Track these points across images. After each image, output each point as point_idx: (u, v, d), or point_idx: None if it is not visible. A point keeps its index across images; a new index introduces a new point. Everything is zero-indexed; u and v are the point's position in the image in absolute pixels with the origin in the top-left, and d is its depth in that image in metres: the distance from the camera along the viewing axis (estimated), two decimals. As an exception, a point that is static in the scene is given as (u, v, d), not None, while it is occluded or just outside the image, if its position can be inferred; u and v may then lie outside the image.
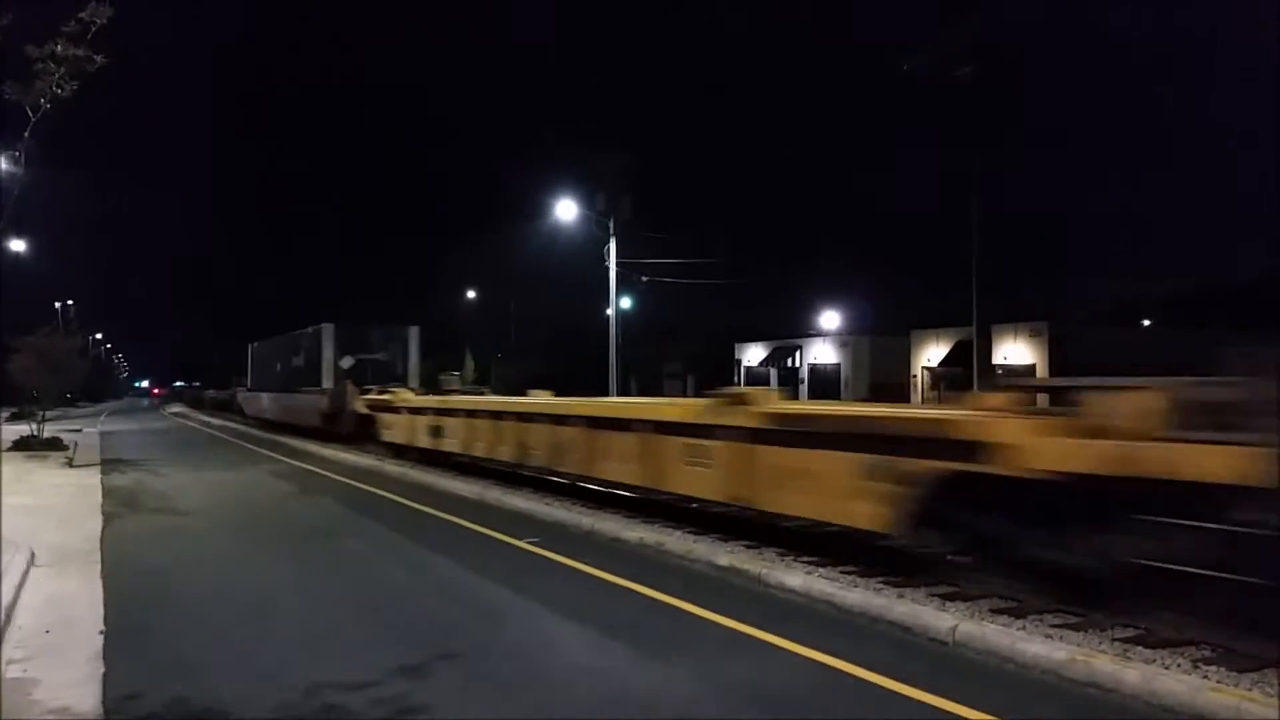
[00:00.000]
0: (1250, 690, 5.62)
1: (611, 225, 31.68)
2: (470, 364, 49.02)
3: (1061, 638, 6.83)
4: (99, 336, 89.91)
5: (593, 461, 13.67)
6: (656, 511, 12.50)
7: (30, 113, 17.07)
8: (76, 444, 26.97)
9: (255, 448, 28.76)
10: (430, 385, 28.53)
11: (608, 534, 11.77)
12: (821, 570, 9.25)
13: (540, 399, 17.68)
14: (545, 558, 10.46)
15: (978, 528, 8.06)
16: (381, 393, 24.49)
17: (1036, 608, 7.56)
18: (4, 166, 18.50)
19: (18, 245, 43.48)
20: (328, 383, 30.22)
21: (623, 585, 9.01)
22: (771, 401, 10.67)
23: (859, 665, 6.42)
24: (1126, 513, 6.91)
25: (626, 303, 39.13)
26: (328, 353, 31.21)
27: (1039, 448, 7.11)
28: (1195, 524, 6.64)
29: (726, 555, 9.94)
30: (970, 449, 7.63)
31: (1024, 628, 7.13)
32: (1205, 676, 5.94)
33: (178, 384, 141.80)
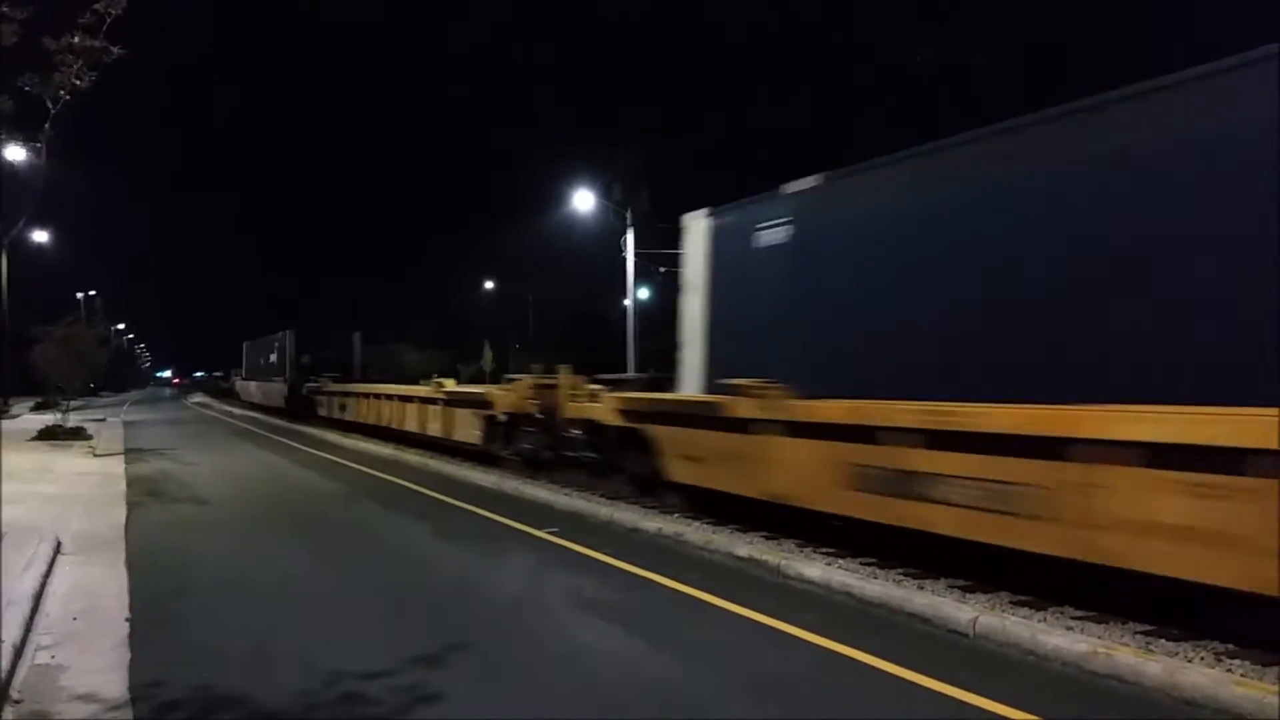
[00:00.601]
0: (1276, 684, 5.58)
1: (629, 216, 31.67)
2: (489, 354, 49.05)
3: (1083, 630, 6.80)
4: (121, 327, 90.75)
5: (401, 421, 24.42)
6: (674, 504, 12.49)
7: (50, 104, 17.22)
8: (100, 433, 27.24)
9: (276, 436, 28.97)
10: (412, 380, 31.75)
11: (626, 524, 11.79)
12: (841, 561, 9.25)
13: (407, 388, 24.86)
14: (564, 547, 10.50)
15: (496, 436, 18.07)
16: (318, 381, 35.14)
17: (1057, 600, 7.53)
18: (25, 157, 18.70)
19: (40, 236, 43.96)
20: (290, 374, 39.10)
21: (642, 575, 9.02)
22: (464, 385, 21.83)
23: (879, 657, 6.41)
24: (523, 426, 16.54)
25: (645, 293, 39.15)
26: (289, 351, 39.94)
27: (500, 399, 17.31)
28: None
29: (745, 546, 9.94)
30: (486, 403, 18.19)
31: (1045, 620, 7.11)
32: (1229, 670, 5.91)
33: (197, 374, 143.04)
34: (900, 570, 8.76)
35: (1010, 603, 7.64)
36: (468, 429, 19.40)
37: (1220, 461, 6.04)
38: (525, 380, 16.87)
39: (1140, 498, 6.54)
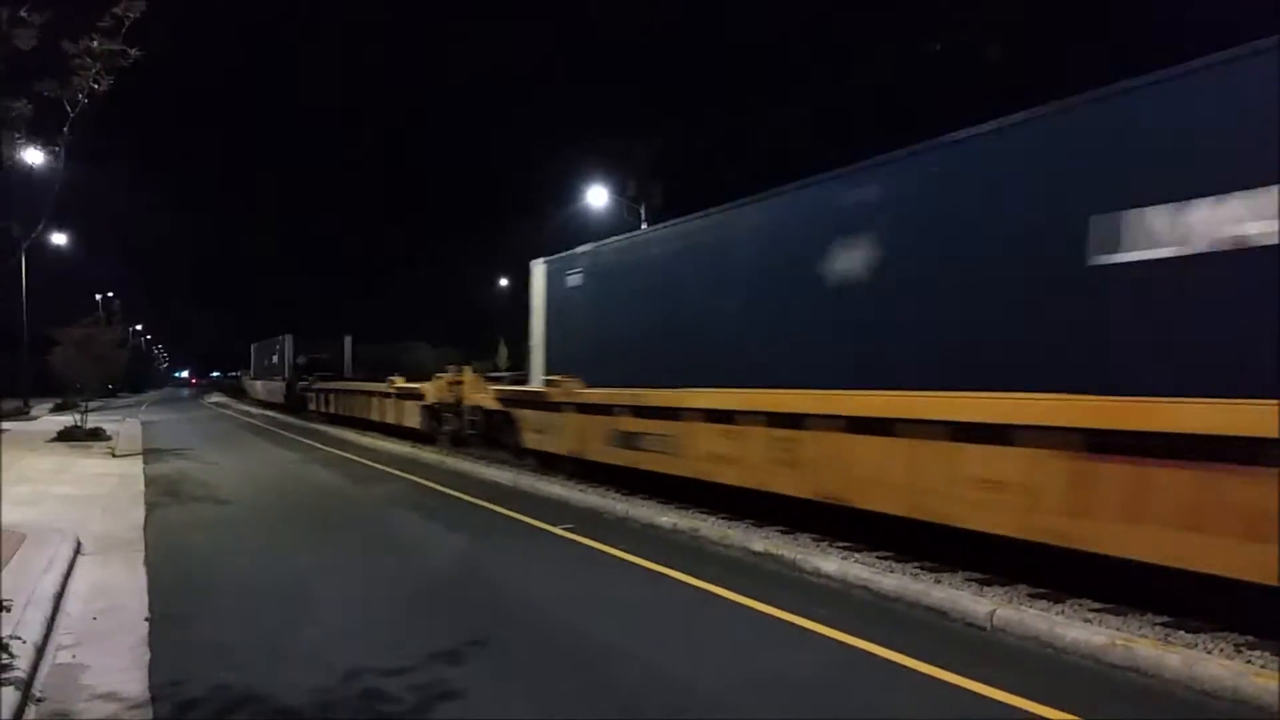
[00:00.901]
0: (1296, 675, 5.53)
1: (642, 211, 31.65)
2: (504, 351, 49.17)
3: (1101, 622, 6.77)
4: (139, 328, 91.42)
5: (367, 411, 29.98)
6: (688, 498, 12.50)
7: (69, 108, 17.33)
8: (119, 434, 27.45)
9: (293, 435, 29.13)
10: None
11: (642, 520, 11.80)
12: (857, 555, 9.23)
13: (371, 385, 30.07)
14: (581, 544, 10.52)
15: (428, 420, 22.93)
16: (309, 379, 40.84)
17: (1075, 593, 7.49)
18: (43, 161, 18.83)
19: (59, 239, 44.30)
20: (289, 374, 44.82)
21: (659, 571, 9.03)
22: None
23: (897, 650, 6.40)
24: (444, 412, 21.67)
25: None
26: (288, 353, 45.64)
27: (429, 392, 22.40)
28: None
29: (761, 541, 9.93)
30: (421, 395, 23.14)
31: (1063, 612, 7.08)
32: (1249, 661, 5.87)
33: (214, 374, 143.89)
34: (917, 564, 8.75)
35: (1028, 595, 7.61)
36: (411, 416, 24.75)
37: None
38: (445, 377, 21.59)
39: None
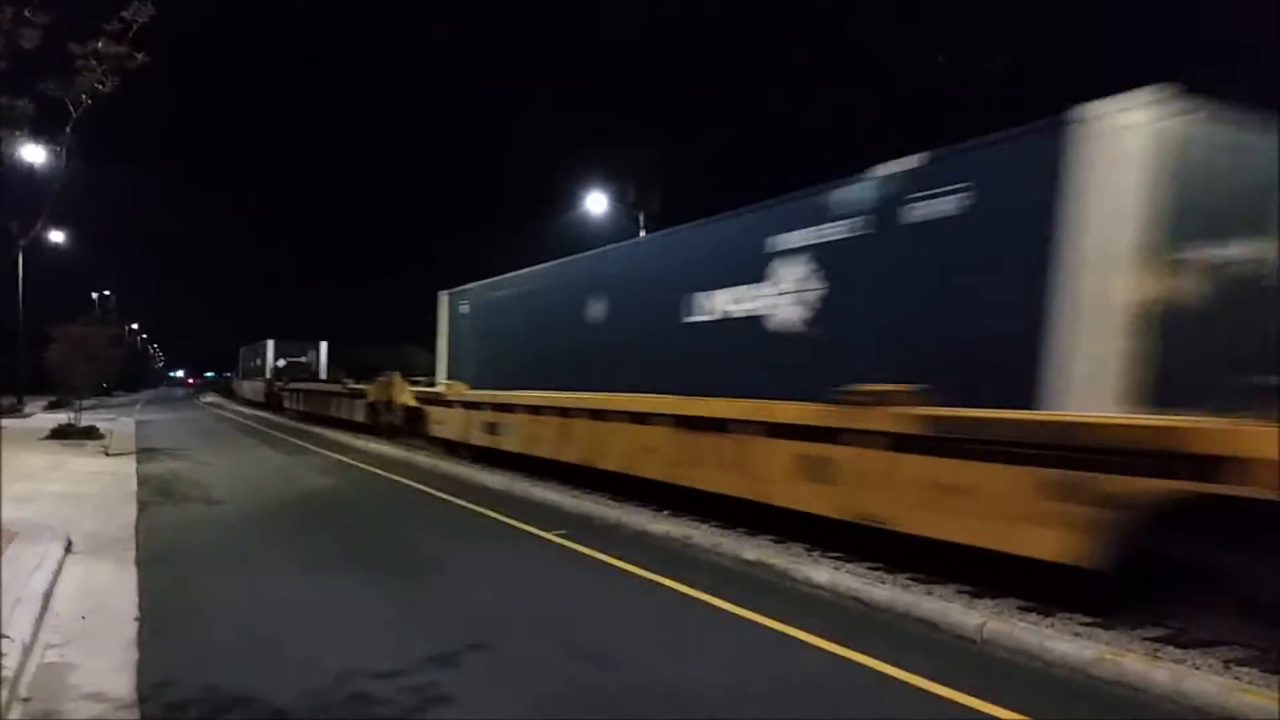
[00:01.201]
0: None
1: (641, 218, 31.68)
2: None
3: (1090, 636, 6.78)
4: (135, 326, 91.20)
5: (325, 409, 34.33)
6: (681, 505, 12.50)
7: (72, 108, 17.34)
8: (112, 432, 27.38)
9: (286, 437, 29.11)
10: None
11: (635, 527, 11.80)
12: (849, 566, 9.23)
13: (329, 386, 36.36)
14: (573, 550, 10.52)
15: (370, 416, 27.69)
16: (287, 380, 45.51)
17: (1064, 606, 7.50)
18: (44, 159, 18.84)
19: (57, 236, 44.23)
20: (269, 376, 49.74)
21: (651, 579, 9.03)
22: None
23: (886, 661, 6.41)
24: (381, 409, 26.40)
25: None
26: (269, 357, 50.59)
27: (370, 392, 27.36)
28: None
29: (753, 550, 9.94)
30: (365, 394, 28.40)
31: (1052, 625, 7.08)
32: (1237, 678, 5.87)
33: (208, 374, 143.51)
34: (908, 575, 8.75)
35: (1018, 608, 7.61)
36: (358, 412, 29.31)
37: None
38: (381, 380, 26.09)
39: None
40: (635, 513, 12.53)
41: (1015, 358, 7.53)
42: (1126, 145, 6.97)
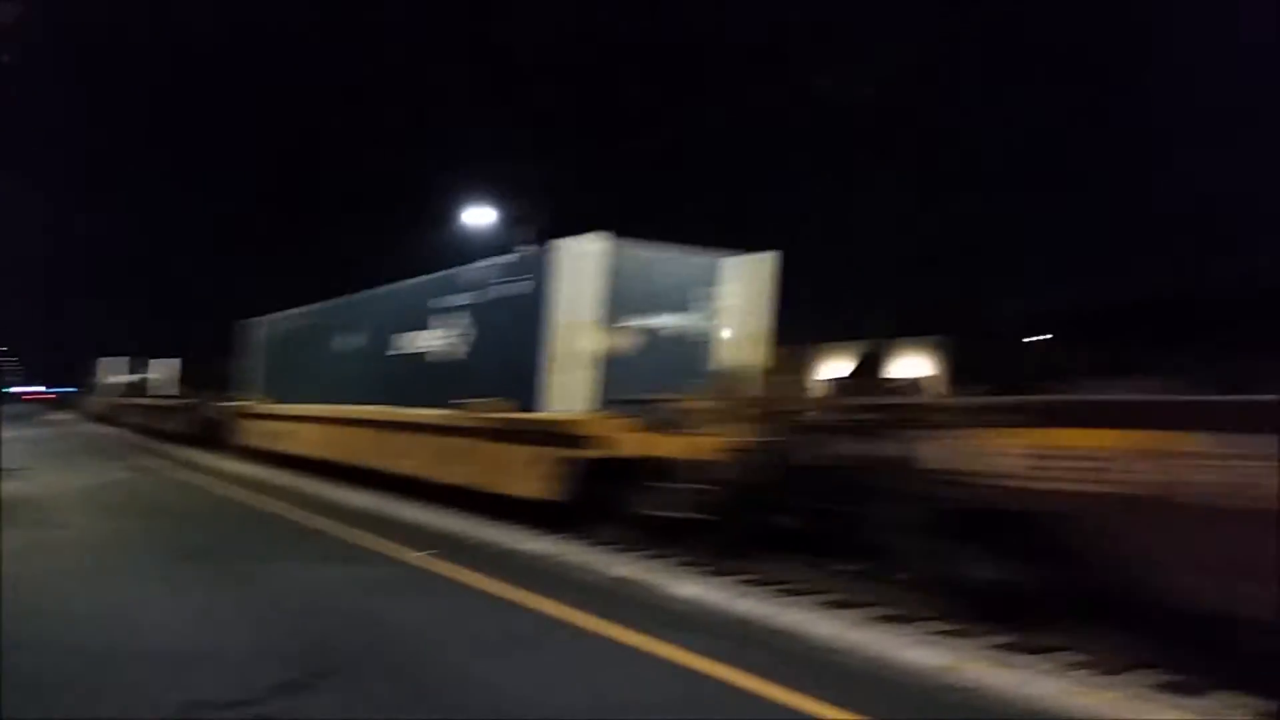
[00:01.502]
0: (1116, 693, 5.74)
1: (530, 233, 31.29)
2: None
3: (942, 644, 6.89)
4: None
5: (146, 420, 39.01)
6: (556, 524, 12.32)
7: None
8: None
9: (131, 453, 27.73)
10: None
11: (503, 545, 11.57)
12: (716, 580, 9.21)
13: (152, 399, 40.77)
14: (436, 571, 10.20)
15: (185, 425, 32.36)
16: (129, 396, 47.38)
17: (920, 616, 7.62)
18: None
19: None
20: (116, 392, 51.49)
21: (513, 599, 8.81)
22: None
23: (738, 670, 6.37)
24: (195, 418, 31.43)
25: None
26: (118, 373, 52.72)
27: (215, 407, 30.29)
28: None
29: (622, 566, 9.85)
30: (190, 409, 32.81)
31: (906, 634, 7.18)
32: (1076, 681, 6.04)
33: (70, 389, 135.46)
34: (776, 587, 8.78)
35: (876, 619, 7.70)
36: (176, 422, 33.23)
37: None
38: (202, 396, 30.55)
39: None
40: (505, 531, 12.30)
41: (534, 382, 12.24)
42: (586, 260, 12.14)
